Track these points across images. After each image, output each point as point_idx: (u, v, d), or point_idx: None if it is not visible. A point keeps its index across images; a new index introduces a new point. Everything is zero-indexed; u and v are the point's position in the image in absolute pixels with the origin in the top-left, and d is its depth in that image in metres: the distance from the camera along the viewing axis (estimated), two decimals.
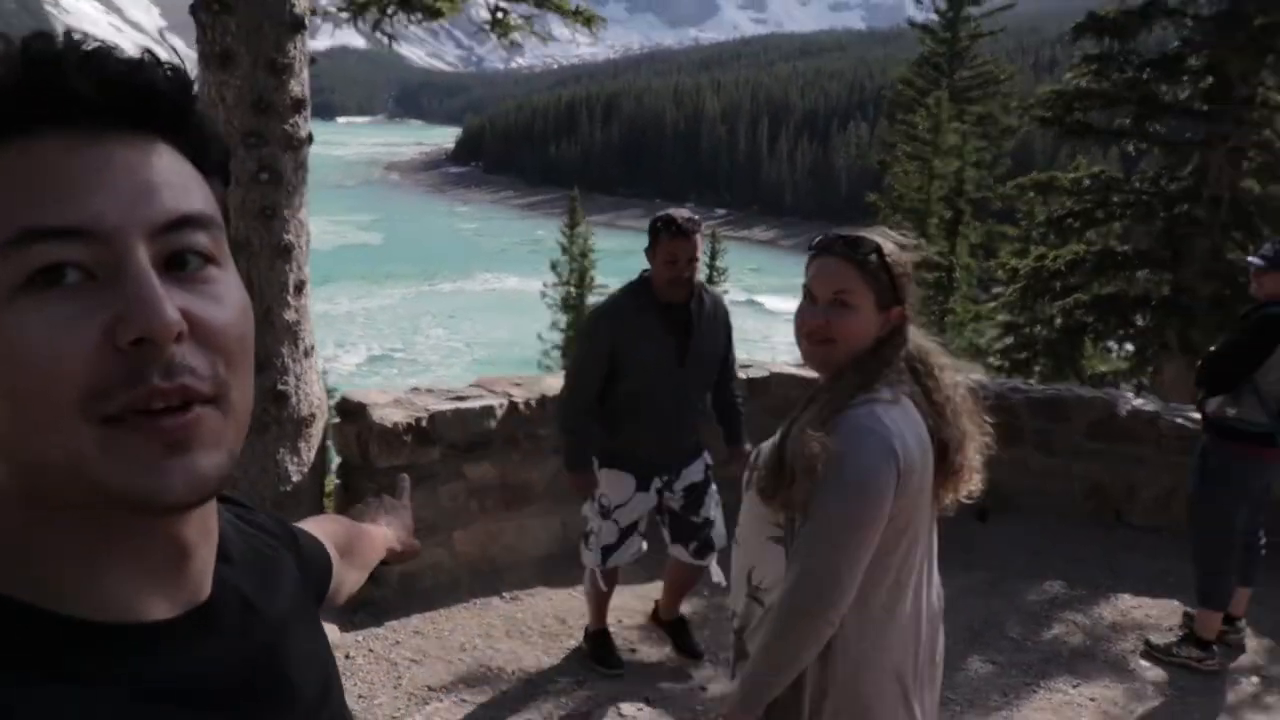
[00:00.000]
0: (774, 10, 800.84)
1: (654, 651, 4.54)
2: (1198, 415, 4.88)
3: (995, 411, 2.20)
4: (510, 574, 5.08)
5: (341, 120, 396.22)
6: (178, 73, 0.70)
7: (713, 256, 29.07)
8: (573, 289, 27.80)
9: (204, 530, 0.74)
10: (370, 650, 4.38)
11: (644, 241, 3.85)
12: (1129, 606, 5.16)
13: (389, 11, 6.10)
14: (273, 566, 0.88)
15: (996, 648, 4.68)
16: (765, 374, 5.97)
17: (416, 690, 4.14)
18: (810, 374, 2.10)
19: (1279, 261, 4.40)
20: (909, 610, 2.09)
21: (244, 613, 0.78)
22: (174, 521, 0.70)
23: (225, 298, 0.69)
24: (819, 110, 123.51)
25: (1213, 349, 4.76)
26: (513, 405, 5.08)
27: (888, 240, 2.12)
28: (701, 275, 3.99)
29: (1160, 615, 5.07)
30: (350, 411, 4.86)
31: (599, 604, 4.39)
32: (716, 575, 4.20)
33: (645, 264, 3.89)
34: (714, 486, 4.18)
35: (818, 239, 2.16)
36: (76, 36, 0.66)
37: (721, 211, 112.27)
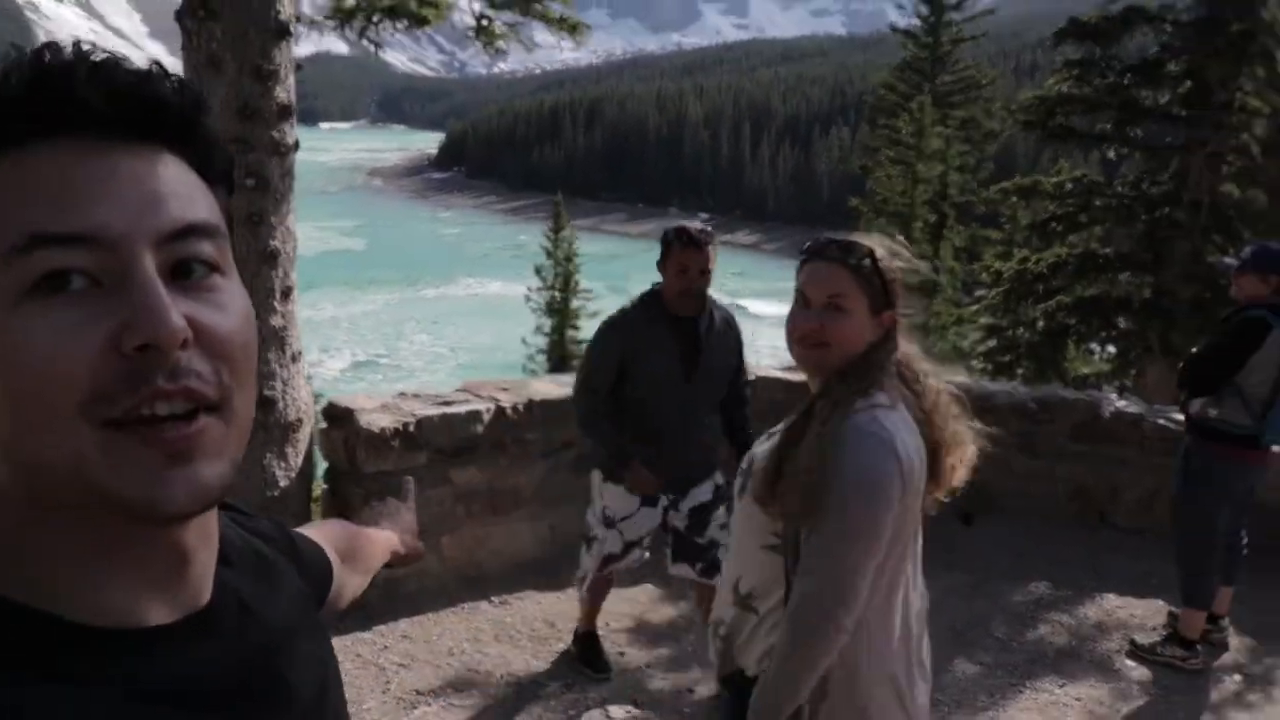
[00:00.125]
0: (756, 16, 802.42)
1: (642, 654, 4.55)
2: (1181, 417, 4.93)
3: (979, 414, 2.21)
4: (498, 578, 5.08)
5: (324, 126, 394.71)
6: (185, 85, 0.71)
7: None
8: (557, 294, 27.79)
9: (204, 535, 0.75)
10: (358, 655, 4.37)
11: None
12: (1113, 607, 5.20)
13: (375, 20, 6.10)
14: (271, 570, 0.89)
15: (982, 648, 4.71)
16: (750, 378, 5.97)
17: (405, 695, 4.14)
18: (794, 377, 2.12)
19: (1254, 263, 4.45)
20: (899, 611, 2.10)
21: (242, 615, 0.78)
22: (175, 529, 0.70)
23: (229, 306, 0.69)
24: (801, 115, 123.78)
25: (1195, 351, 4.80)
26: (499, 410, 5.08)
27: (880, 245, 2.12)
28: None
29: (1144, 615, 5.10)
30: (337, 417, 4.85)
31: (592, 607, 4.39)
32: (677, 573, 4.19)
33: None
34: (723, 509, 4.04)
35: (809, 243, 2.16)
36: (85, 47, 0.67)
37: (704, 216, 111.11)
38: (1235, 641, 4.82)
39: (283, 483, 4.72)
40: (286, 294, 4.71)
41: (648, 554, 4.22)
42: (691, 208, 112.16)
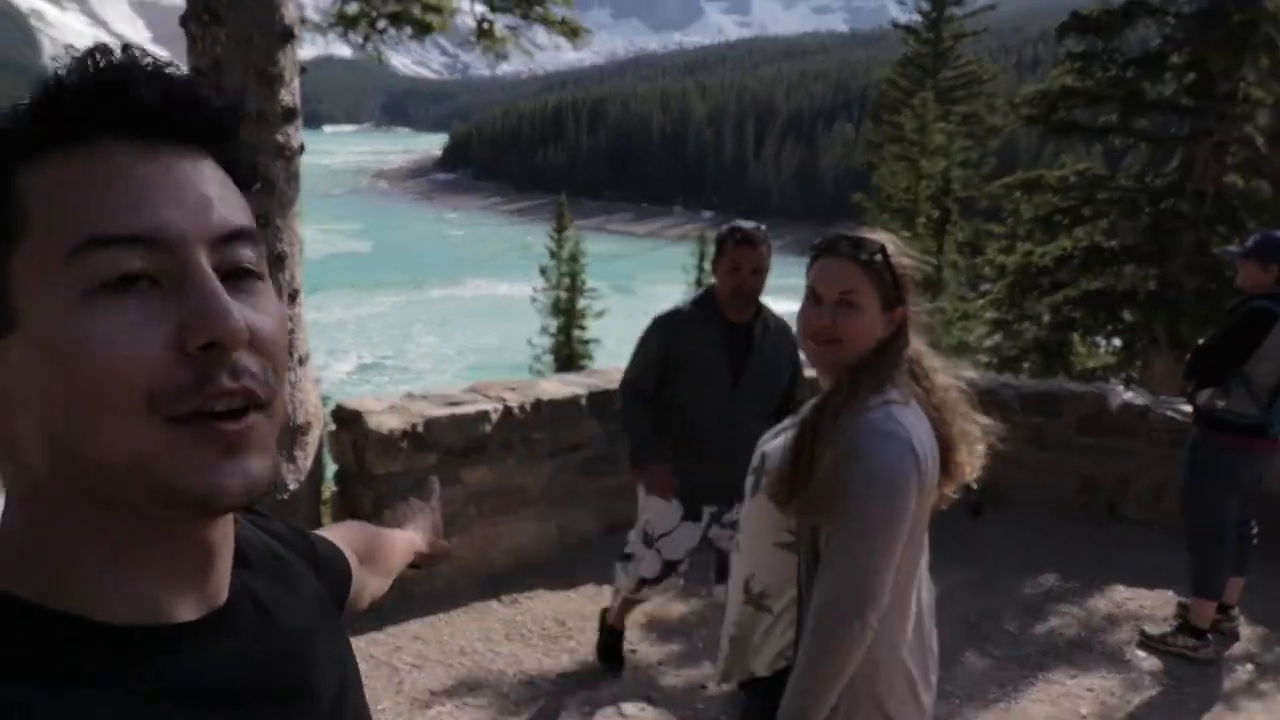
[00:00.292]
0: (758, 13, 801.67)
1: (655, 651, 4.56)
2: (1188, 408, 4.93)
3: (987, 407, 2.20)
4: (509, 577, 5.09)
5: (328, 129, 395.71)
6: (226, 91, 0.73)
7: (700, 258, 29.12)
8: (563, 294, 27.82)
9: (225, 534, 0.76)
10: (371, 656, 4.39)
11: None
12: (1123, 598, 5.20)
13: (379, 27, 6.12)
14: (289, 572, 0.89)
15: (993, 641, 4.72)
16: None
17: (418, 695, 4.16)
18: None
19: (1257, 251, 4.45)
20: (911, 605, 2.11)
21: (259, 616, 0.79)
22: (205, 525, 0.72)
23: (269, 308, 0.72)
24: (804, 112, 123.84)
25: (1201, 342, 4.80)
26: (507, 410, 5.09)
27: (890, 241, 2.10)
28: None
29: (1154, 606, 5.11)
30: (346, 419, 4.87)
31: (625, 607, 4.32)
32: (720, 595, 4.13)
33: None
34: None
35: (820, 239, 2.14)
36: (135, 51, 0.69)
37: (708, 214, 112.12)
38: (1246, 631, 4.82)
39: (292, 485, 4.75)
40: (293, 297, 4.74)
41: (683, 581, 4.13)
42: (695, 206, 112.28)
